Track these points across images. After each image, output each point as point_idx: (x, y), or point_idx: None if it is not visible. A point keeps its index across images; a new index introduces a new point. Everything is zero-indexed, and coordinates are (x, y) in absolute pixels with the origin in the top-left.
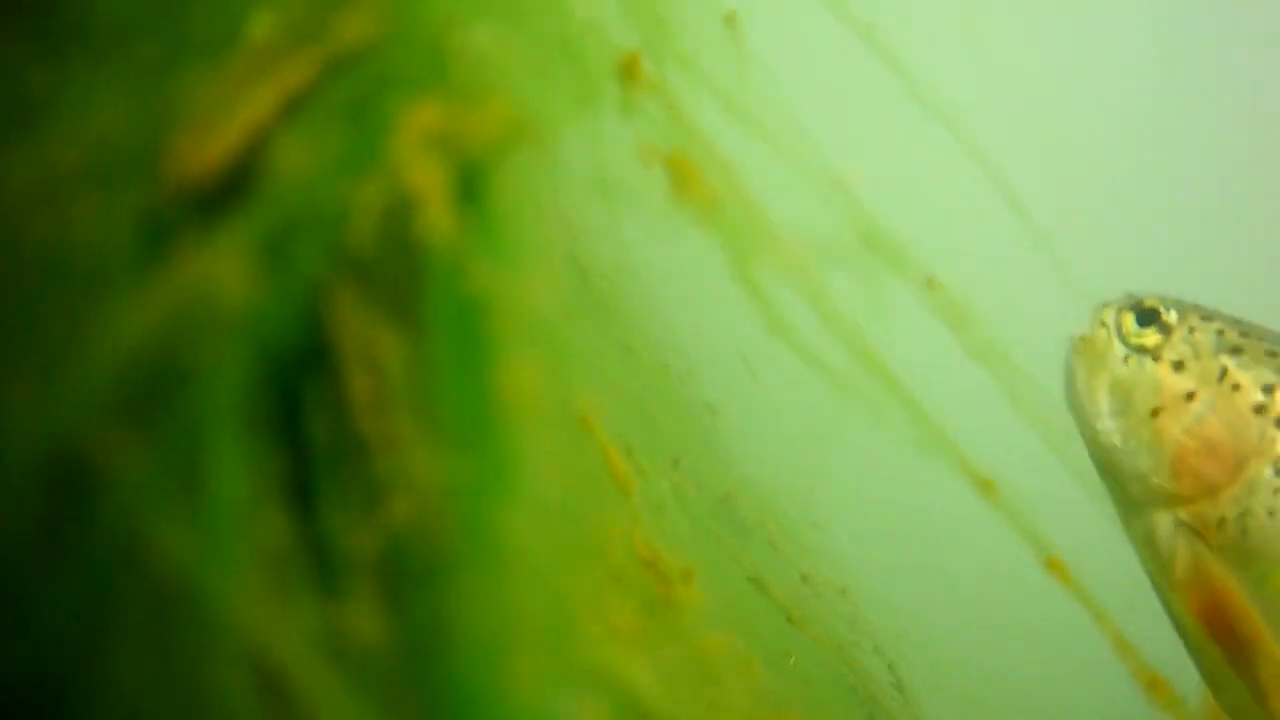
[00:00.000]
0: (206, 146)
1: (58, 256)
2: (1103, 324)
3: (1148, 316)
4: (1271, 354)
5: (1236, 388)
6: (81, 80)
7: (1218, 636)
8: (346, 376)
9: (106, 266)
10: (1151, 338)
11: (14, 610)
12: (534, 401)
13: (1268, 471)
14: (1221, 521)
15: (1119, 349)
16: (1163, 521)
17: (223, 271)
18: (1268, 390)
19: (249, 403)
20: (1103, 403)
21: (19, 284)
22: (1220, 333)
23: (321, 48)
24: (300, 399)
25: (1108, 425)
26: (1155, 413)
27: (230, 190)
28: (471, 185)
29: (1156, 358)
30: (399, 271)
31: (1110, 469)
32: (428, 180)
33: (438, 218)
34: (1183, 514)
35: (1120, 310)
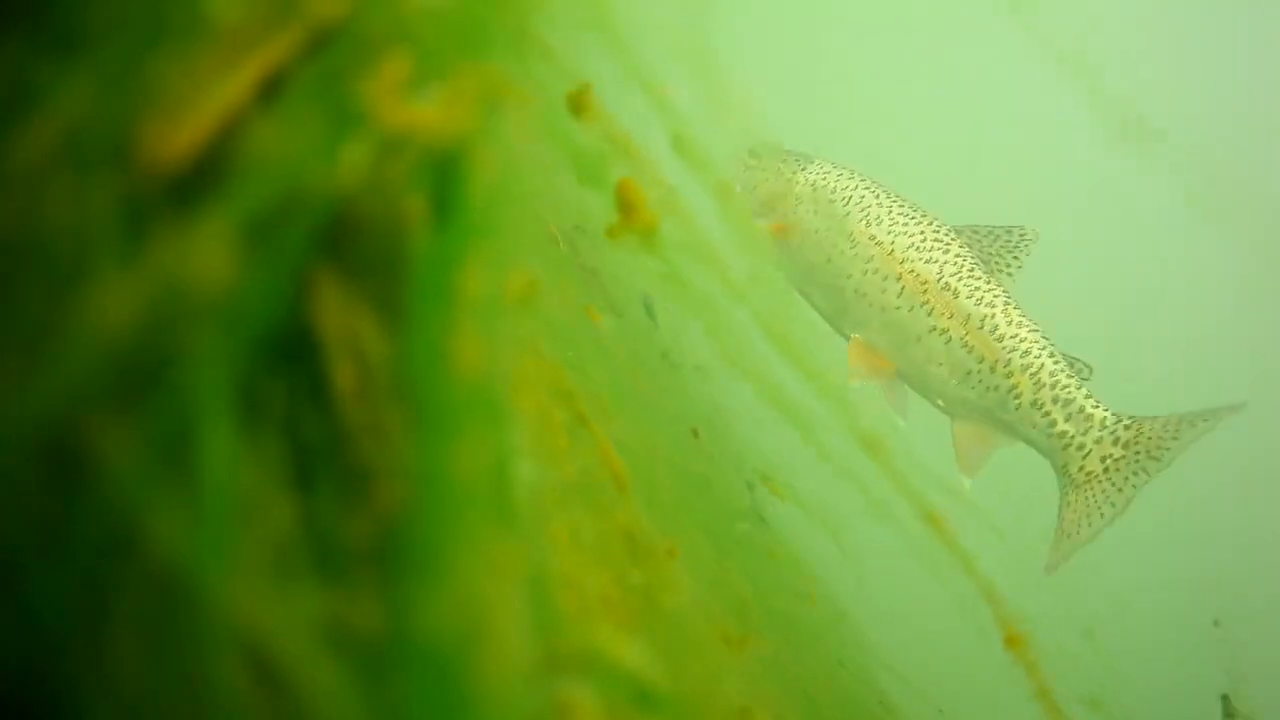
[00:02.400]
0: (178, 132)
1: (39, 244)
2: (739, 157)
3: (755, 152)
4: (797, 161)
5: (781, 174)
6: (56, 68)
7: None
8: (332, 367)
9: (88, 253)
10: (755, 161)
11: (10, 598)
12: (522, 389)
13: (792, 200)
14: (783, 218)
15: (743, 165)
16: (760, 220)
17: (202, 257)
18: (791, 175)
19: (240, 388)
20: (740, 183)
21: (3, 269)
22: (783, 160)
23: (294, 27)
24: (292, 386)
25: (741, 191)
26: (757, 186)
27: (207, 175)
28: (448, 168)
29: (756, 169)
30: (381, 259)
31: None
32: (408, 130)
33: (416, 204)
34: (772, 217)
35: (745, 151)
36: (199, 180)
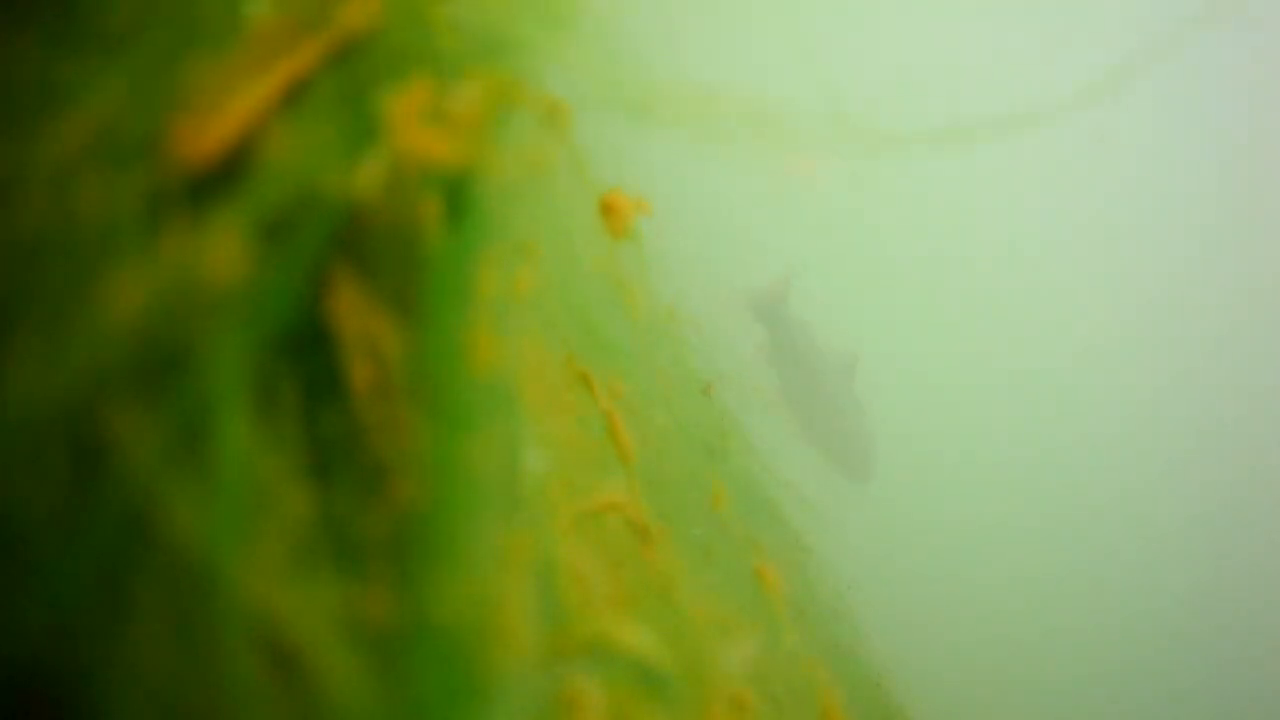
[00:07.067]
0: (205, 132)
1: (65, 236)
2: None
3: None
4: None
5: None
6: (90, 67)
7: None
8: (349, 365)
9: (112, 245)
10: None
11: (30, 582)
12: (532, 382)
13: None
14: None
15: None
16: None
17: (221, 251)
18: None
19: (258, 381)
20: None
21: (31, 259)
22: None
23: (322, 37)
24: (309, 381)
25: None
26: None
27: (229, 175)
28: (462, 171)
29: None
30: (397, 260)
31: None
32: (423, 159)
33: (432, 205)
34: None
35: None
36: (222, 178)
